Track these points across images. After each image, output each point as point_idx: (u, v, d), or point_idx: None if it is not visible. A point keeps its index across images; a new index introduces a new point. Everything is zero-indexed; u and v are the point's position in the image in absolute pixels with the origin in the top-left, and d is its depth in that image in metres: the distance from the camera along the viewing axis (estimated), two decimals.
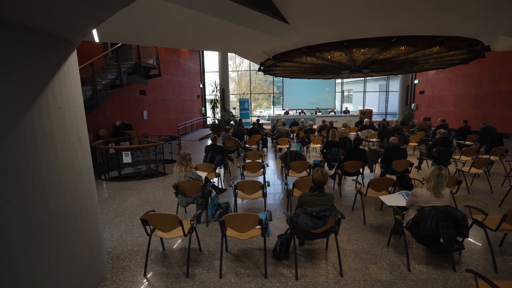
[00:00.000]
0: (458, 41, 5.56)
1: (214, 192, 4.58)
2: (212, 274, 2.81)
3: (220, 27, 4.50)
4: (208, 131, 14.38)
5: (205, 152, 6.12)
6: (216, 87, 13.32)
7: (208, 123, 15.99)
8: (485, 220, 2.86)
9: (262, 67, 7.90)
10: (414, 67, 8.60)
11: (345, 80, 25.16)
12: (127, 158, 6.29)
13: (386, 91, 16.52)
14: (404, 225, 2.85)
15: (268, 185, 4.03)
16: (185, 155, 3.91)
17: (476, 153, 6.15)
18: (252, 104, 29.30)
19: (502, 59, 11.13)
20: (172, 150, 8.42)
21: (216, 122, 13.92)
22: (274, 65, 7.62)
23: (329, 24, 5.28)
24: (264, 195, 3.98)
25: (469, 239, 3.28)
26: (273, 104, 20.62)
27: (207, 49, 7.76)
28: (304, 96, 16.39)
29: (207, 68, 16.89)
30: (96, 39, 4.80)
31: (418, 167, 6.65)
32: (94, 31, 4.40)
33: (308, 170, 4.98)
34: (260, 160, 5.98)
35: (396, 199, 3.20)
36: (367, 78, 20.55)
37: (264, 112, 27.99)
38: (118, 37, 5.24)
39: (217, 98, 13.89)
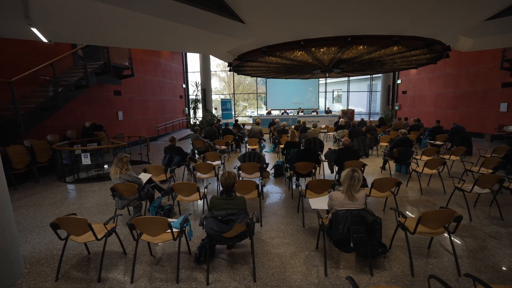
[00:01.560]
0: (414, 41, 5.53)
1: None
2: (126, 279, 2.74)
3: (163, 27, 4.43)
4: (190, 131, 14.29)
5: (164, 153, 6.05)
6: (197, 87, 13.23)
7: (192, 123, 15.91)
8: (405, 222, 2.82)
9: (231, 67, 7.82)
10: (385, 67, 8.56)
11: (333, 80, 25.26)
12: (86, 160, 6.20)
13: (370, 91, 16.51)
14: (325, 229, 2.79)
15: (206, 187, 3.96)
16: (121, 157, 3.84)
17: (437, 153, 6.13)
18: (242, 104, 29.33)
19: (478, 59, 11.16)
20: (141, 151, 8.34)
21: (197, 122, 13.83)
22: (242, 65, 7.56)
23: (284, 24, 5.24)
24: (204, 196, 3.92)
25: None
26: (265, 104, 20.51)
27: (164, 49, 7.73)
28: (287, 96, 16.34)
29: (191, 68, 16.80)
30: (43, 39, 4.70)
31: (383, 168, 6.61)
32: (36, 31, 4.32)
33: (259, 172, 4.92)
34: (219, 161, 5.91)
35: (322, 202, 3.14)
36: (354, 78, 20.58)
37: (255, 112, 27.97)
38: (69, 37, 5.15)
39: (199, 98, 13.80)
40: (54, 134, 7.50)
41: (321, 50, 5.84)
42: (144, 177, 4.29)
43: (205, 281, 2.66)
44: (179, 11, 4.36)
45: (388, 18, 4.85)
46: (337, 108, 29.92)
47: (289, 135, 5.99)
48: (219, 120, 11.86)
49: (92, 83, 8.05)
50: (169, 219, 3.01)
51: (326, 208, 3.02)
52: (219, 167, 5.98)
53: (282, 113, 15.28)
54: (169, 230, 2.62)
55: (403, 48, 5.85)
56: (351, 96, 21.81)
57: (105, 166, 7.17)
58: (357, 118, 19.04)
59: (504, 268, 2.75)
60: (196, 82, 13.23)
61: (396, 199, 3.97)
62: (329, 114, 14.70)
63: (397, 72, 16.08)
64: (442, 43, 6.13)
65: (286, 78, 11.86)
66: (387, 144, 8.28)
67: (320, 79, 16.53)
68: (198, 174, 5.08)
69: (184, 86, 16.02)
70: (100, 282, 2.69)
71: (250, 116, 22.40)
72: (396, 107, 16.13)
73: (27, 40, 6.72)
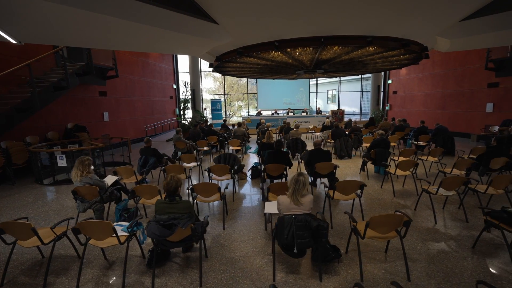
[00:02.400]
0: (389, 41, 5.50)
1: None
2: (72, 283, 2.69)
3: (132, 29, 4.39)
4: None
5: (139, 154, 6.01)
6: (186, 88, 13.19)
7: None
8: (357, 226, 2.78)
9: (212, 67, 7.77)
10: (368, 67, 8.53)
11: (328, 80, 25.23)
12: (62, 162, 6.14)
13: (361, 91, 16.49)
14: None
15: None
16: (83, 160, 3.80)
17: (415, 154, 6.10)
18: (238, 104, 29.23)
19: (465, 59, 11.15)
20: (123, 153, 8.29)
21: (187, 123, 13.77)
22: (222, 65, 7.52)
23: (258, 24, 5.20)
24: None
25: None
26: (258, 104, 20.44)
27: (138, 50, 7.71)
28: (278, 97, 16.30)
29: (183, 68, 16.74)
30: (12, 40, 4.65)
31: (362, 169, 6.58)
32: (1, 32, 4.28)
33: (231, 174, 4.89)
34: (195, 163, 5.86)
35: (275, 206, 3.10)
36: (347, 78, 20.55)
37: (249, 112, 27.90)
38: (37, 38, 5.10)
39: (188, 98, 13.75)
40: (33, 136, 7.44)
41: (297, 50, 5.80)
42: (110, 179, 4.25)
43: (150, 286, 2.62)
44: (148, 13, 4.33)
45: (361, 18, 4.82)
46: (332, 108, 29.92)
47: (265, 136, 5.93)
48: (206, 121, 11.80)
49: (74, 84, 8.00)
50: (121, 223, 2.99)
51: (275, 212, 2.99)
52: (190, 169, 5.93)
53: (273, 114, 15.24)
54: (114, 235, 2.57)
55: (379, 48, 5.82)
56: (346, 96, 21.81)
57: None
58: (350, 118, 19.06)
59: (456, 272, 2.71)
60: (185, 83, 13.19)
61: (361, 202, 3.94)
62: (319, 114, 14.65)
63: (387, 72, 16.08)
64: (419, 44, 6.11)
65: (272, 79, 11.82)
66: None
67: (311, 80, 16.51)
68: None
69: (174, 86, 15.97)
70: (46, 287, 2.65)
71: (242, 117, 22.36)
72: (387, 107, 16.12)
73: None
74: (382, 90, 15.58)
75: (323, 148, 5.13)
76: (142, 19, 4.26)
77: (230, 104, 28.54)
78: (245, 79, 26.42)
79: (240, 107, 28.39)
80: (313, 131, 11.50)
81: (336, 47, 5.65)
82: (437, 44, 6.43)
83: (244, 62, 7.15)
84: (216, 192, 3.76)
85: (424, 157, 6.07)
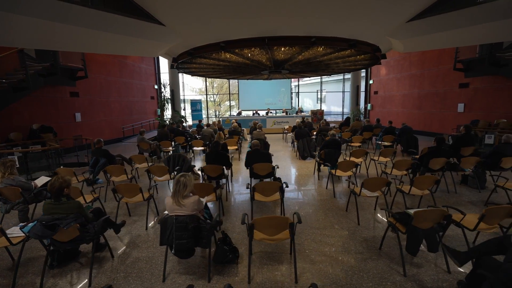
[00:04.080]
0: (337, 42, 5.51)
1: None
2: None
3: (73, 32, 4.42)
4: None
5: (91, 155, 6.02)
6: (164, 88, 13.19)
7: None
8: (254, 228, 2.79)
9: (173, 67, 7.77)
10: (333, 68, 8.54)
11: (318, 80, 25.23)
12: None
13: (343, 92, 16.49)
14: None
15: (93, 190, 3.93)
16: (5, 161, 3.81)
17: (366, 154, 6.11)
18: (227, 104, 29.20)
19: (438, 59, 11.15)
20: (88, 154, 8.29)
21: (167, 123, 13.79)
22: (181, 66, 7.52)
23: (203, 26, 5.21)
24: (96, 199, 3.90)
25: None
26: (239, 104, 20.49)
27: (87, 51, 7.78)
28: (260, 97, 16.31)
29: (165, 69, 16.72)
30: None
31: (318, 169, 6.58)
32: None
33: (170, 174, 4.89)
34: (145, 164, 5.87)
35: None
36: (333, 79, 20.56)
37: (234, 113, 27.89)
38: None
39: (167, 98, 13.78)
40: None
41: (246, 51, 5.81)
42: (41, 180, 4.25)
43: (43, 285, 2.62)
44: (89, 16, 4.37)
45: (302, 18, 4.82)
46: (322, 108, 29.87)
47: (216, 136, 5.94)
48: (181, 121, 11.82)
49: (37, 85, 8.01)
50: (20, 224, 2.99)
51: None
52: (132, 169, 5.93)
53: (253, 114, 15.25)
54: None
55: (328, 49, 5.83)
56: (334, 96, 21.84)
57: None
58: (339, 118, 19.08)
59: (331, 272, 2.72)
60: (164, 83, 13.19)
61: (283, 202, 3.94)
62: (299, 114, 14.66)
63: (369, 73, 16.10)
64: (371, 44, 6.12)
65: (243, 79, 11.82)
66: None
67: (300, 80, 16.50)
68: (113, 177, 5.05)
69: (156, 87, 15.98)
70: None
71: (228, 117, 22.36)
72: (369, 107, 16.13)
73: None
74: (361, 90, 15.59)
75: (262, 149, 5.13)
76: (87, 23, 4.32)
77: (219, 105, 28.59)
78: (235, 80, 26.50)
79: (227, 108, 28.38)
80: (287, 131, 11.51)
81: (283, 48, 5.66)
82: (393, 45, 6.44)
83: (202, 63, 7.15)
84: (138, 193, 3.77)
85: (376, 157, 6.07)
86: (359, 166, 4.91)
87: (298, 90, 17.49)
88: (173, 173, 5.23)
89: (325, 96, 27.42)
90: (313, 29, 5.14)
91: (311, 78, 27.68)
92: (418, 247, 2.71)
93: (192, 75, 9.34)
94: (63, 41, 5.11)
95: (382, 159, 6.02)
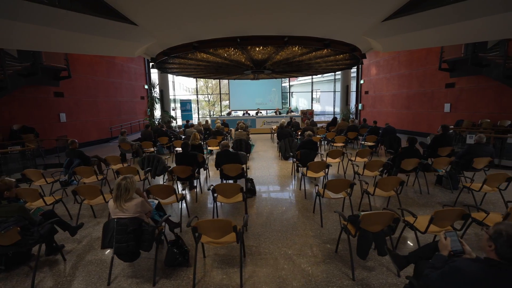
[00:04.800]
0: (311, 41, 5.47)
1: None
2: None
3: (26, 30, 4.35)
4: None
5: (65, 156, 5.96)
6: (153, 88, 13.13)
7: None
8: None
9: (154, 68, 7.73)
10: (317, 68, 8.50)
11: (313, 80, 25.20)
12: None
13: (334, 91, 16.44)
14: None
15: (54, 192, 3.88)
16: None
17: (342, 155, 6.06)
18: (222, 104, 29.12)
19: (425, 59, 11.12)
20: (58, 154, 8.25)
21: (156, 123, 13.75)
22: (161, 66, 7.47)
23: (175, 26, 5.17)
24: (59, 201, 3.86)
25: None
26: (230, 104, 20.43)
27: (59, 51, 7.78)
28: (250, 97, 16.26)
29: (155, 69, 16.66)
30: None
31: (297, 170, 6.54)
32: None
33: (138, 175, 4.85)
34: (120, 165, 5.82)
35: None
36: (324, 79, 20.52)
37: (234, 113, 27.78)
38: None
39: (156, 98, 13.71)
40: None
41: (219, 51, 5.77)
42: None
43: None
44: (58, 17, 4.34)
45: (270, 17, 4.77)
46: (316, 108, 29.84)
47: (190, 137, 5.89)
48: (169, 122, 11.76)
49: (16, 85, 7.93)
50: None
51: None
52: (104, 170, 5.90)
53: (243, 114, 15.20)
54: None
55: (304, 48, 5.79)
56: (327, 96, 21.77)
57: None
58: (328, 118, 19.03)
59: (278, 277, 2.67)
60: (152, 83, 13.13)
61: (246, 204, 3.90)
62: (289, 114, 14.62)
63: (360, 73, 16.07)
64: (348, 44, 6.08)
65: (229, 79, 11.78)
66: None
67: (293, 80, 16.46)
68: (83, 178, 5.00)
69: (146, 87, 15.91)
70: None
71: (216, 117, 22.24)
72: (360, 107, 16.10)
73: None
74: (353, 90, 15.56)
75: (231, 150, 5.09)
76: (57, 24, 4.28)
77: (213, 105, 28.50)
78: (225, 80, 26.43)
79: (220, 108, 28.25)
80: (274, 131, 11.46)
81: (258, 48, 5.62)
82: (372, 44, 6.40)
83: (181, 63, 7.11)
84: (99, 195, 3.72)
85: (353, 158, 6.03)
86: (330, 167, 4.85)
87: (290, 90, 17.44)
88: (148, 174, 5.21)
89: (319, 96, 27.40)
90: (285, 28, 5.09)
91: (306, 78, 27.74)
92: (367, 251, 2.67)
93: (176, 75, 9.28)
94: (32, 41, 5.06)
95: (359, 159, 5.97)
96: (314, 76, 23.36)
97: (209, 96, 27.67)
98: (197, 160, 4.80)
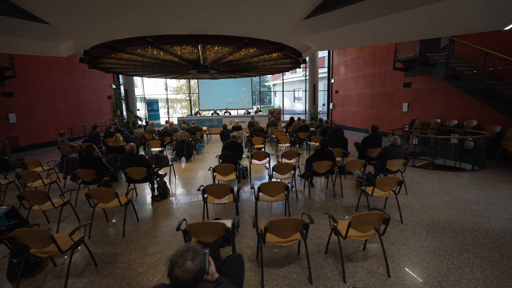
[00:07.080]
0: (227, 40, 5.28)
1: None
2: None
3: None
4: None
5: None
6: (118, 88, 12.86)
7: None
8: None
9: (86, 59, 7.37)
10: (259, 69, 8.30)
11: (296, 79, 25.05)
12: None
13: (305, 91, 16.27)
14: None
15: None
16: None
17: (268, 156, 5.90)
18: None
19: (386, 59, 11.01)
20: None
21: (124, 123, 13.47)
22: (92, 63, 7.20)
23: (87, 25, 4.94)
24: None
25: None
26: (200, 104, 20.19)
27: None
28: (220, 96, 16.04)
29: None
30: None
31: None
32: None
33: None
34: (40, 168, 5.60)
35: None
36: (303, 77, 20.31)
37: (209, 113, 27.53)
38: None
39: (120, 98, 13.45)
40: None
41: (138, 50, 5.55)
42: None
43: None
44: None
45: (176, 17, 4.57)
46: (298, 107, 29.75)
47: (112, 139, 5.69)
48: (129, 122, 11.52)
49: None
50: None
51: None
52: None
53: (212, 114, 14.99)
54: None
55: (228, 48, 5.60)
56: (303, 95, 21.65)
57: None
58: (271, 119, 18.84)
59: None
60: (116, 83, 12.86)
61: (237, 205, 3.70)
62: (257, 114, 14.46)
63: (331, 71, 15.94)
64: (276, 42, 5.90)
65: (157, 77, 11.49)
66: (261, 145, 8.05)
67: (275, 80, 16.25)
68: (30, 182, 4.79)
69: (114, 86, 15.62)
70: None
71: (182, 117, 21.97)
72: (331, 107, 15.99)
73: None
74: (324, 89, 15.43)
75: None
76: None
77: (195, 105, 28.22)
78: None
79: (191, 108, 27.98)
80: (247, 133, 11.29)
81: (176, 47, 5.42)
82: (308, 44, 6.22)
83: (122, 58, 6.84)
84: (46, 199, 3.52)
85: (280, 159, 5.86)
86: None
87: (260, 90, 17.23)
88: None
89: (301, 95, 27.24)
90: (194, 28, 4.89)
91: (289, 77, 27.58)
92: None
93: (106, 72, 8.97)
94: None
95: (285, 161, 5.81)
96: (297, 75, 23.31)
97: (190, 95, 27.40)
98: (102, 164, 4.60)
